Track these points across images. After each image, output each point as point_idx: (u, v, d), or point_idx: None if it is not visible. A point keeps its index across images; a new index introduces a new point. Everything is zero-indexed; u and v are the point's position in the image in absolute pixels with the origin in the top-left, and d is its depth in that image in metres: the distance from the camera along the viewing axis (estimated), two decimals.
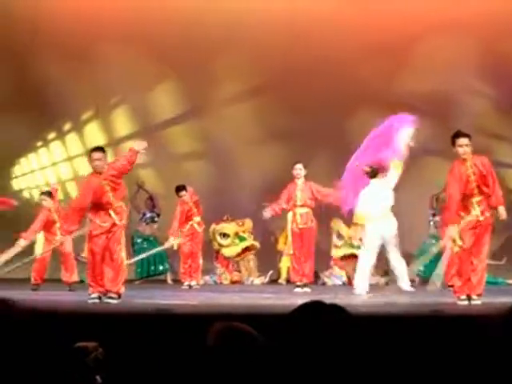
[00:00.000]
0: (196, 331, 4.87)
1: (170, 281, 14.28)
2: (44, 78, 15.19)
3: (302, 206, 11.73)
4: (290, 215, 11.83)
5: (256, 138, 14.94)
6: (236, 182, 15.11)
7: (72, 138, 15.87)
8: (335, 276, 13.95)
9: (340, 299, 8.61)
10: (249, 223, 14.48)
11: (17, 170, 15.79)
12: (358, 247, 12.33)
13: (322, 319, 2.44)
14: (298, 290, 11.55)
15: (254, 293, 11.51)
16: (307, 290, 11.51)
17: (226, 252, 14.44)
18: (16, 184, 15.92)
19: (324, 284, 13.89)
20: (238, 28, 14.78)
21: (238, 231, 14.49)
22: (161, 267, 14.22)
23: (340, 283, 13.78)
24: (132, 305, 8.49)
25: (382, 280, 13.44)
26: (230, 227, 14.50)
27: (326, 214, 12.65)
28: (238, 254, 14.46)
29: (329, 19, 14.84)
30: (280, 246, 14.12)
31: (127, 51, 15.05)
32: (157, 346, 4.62)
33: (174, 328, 5.65)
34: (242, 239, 14.51)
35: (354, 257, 12.88)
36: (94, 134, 15.75)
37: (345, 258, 13.89)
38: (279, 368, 2.53)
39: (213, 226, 14.37)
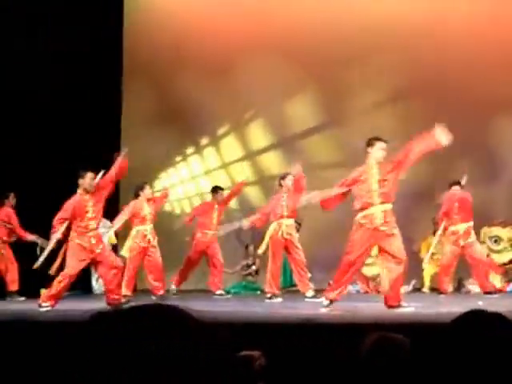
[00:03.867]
0: (342, 340, 4.84)
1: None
2: (184, 95, 15.49)
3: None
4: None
5: (397, 146, 14.75)
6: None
7: (210, 152, 16.11)
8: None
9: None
10: None
11: (157, 184, 16.13)
12: None
13: (483, 329, 2.37)
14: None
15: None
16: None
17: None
18: None
19: (468, 292, 13.55)
20: (377, 35, 14.71)
21: None
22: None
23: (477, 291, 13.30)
24: (278, 314, 8.53)
25: None
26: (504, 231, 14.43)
27: None
28: None
29: (470, 24, 14.64)
30: (422, 254, 13.88)
31: (265, 64, 15.19)
32: (307, 354, 4.61)
33: (320, 337, 5.64)
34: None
35: None
36: (232, 146, 15.96)
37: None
38: (433, 380, 2.47)
39: None
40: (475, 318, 2.38)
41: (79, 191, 10.13)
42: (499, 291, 12.48)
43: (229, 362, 1.53)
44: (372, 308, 9.82)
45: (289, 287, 14.10)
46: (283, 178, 12.44)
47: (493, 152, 14.90)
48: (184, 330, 1.45)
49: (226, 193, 13.77)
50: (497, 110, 14.61)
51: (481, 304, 9.31)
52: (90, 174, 10.11)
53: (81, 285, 13.54)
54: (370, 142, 9.37)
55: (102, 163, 14.15)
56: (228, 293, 13.57)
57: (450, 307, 9.03)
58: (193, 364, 1.41)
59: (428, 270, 13.80)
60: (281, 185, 12.43)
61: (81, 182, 10.11)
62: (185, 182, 16.21)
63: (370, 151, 9.26)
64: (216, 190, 13.68)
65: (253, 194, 15.73)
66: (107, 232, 13.99)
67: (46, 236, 10.56)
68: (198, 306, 10.12)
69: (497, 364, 2.24)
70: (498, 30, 14.66)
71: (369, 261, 12.69)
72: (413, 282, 14.15)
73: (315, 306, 9.53)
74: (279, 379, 3.04)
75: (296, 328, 6.05)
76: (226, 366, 1.48)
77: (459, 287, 13.25)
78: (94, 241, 9.99)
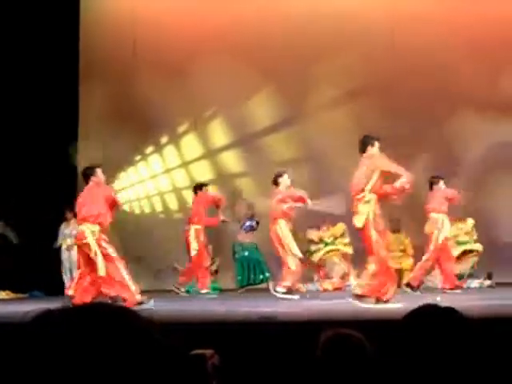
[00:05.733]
0: (301, 338, 4.83)
1: (272, 289, 14.25)
2: (143, 93, 15.42)
3: None
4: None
5: (356, 143, 14.80)
6: (336, 187, 15.01)
7: (169, 151, 16.05)
8: None
9: None
10: (337, 228, 14.40)
11: (116, 184, 16.02)
12: None
13: (436, 324, 2.36)
14: None
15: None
16: None
17: (312, 257, 14.45)
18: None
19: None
20: (335, 34, 14.76)
21: (322, 236, 14.46)
22: (261, 276, 14.20)
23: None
24: (237, 313, 8.50)
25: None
26: (315, 233, 14.52)
27: None
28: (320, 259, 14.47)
29: (430, 20, 14.69)
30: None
31: (224, 62, 15.16)
32: (265, 353, 4.60)
33: (279, 335, 5.62)
34: (326, 244, 14.45)
35: None
36: (192, 145, 15.92)
37: None
38: (390, 375, 2.46)
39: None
40: (428, 312, 2.37)
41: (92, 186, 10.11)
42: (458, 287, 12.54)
43: (180, 361, 1.49)
44: (333, 305, 9.84)
45: (246, 286, 14.11)
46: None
47: (450, 149, 15.01)
48: (130, 330, 1.41)
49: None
50: (454, 107, 14.71)
51: (439, 300, 9.33)
52: (99, 169, 10.27)
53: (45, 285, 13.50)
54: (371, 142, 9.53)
55: (58, 163, 14.07)
56: (188, 292, 13.55)
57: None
58: (140, 364, 1.37)
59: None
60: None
61: (94, 178, 10.14)
62: (144, 181, 16.13)
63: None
64: (201, 186, 13.72)
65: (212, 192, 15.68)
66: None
67: None
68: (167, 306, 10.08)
69: (448, 358, 2.24)
70: (455, 27, 14.74)
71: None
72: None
73: (274, 303, 9.52)
74: (233, 378, 3.00)
75: (251, 326, 6.03)
76: (176, 365, 1.44)
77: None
78: None
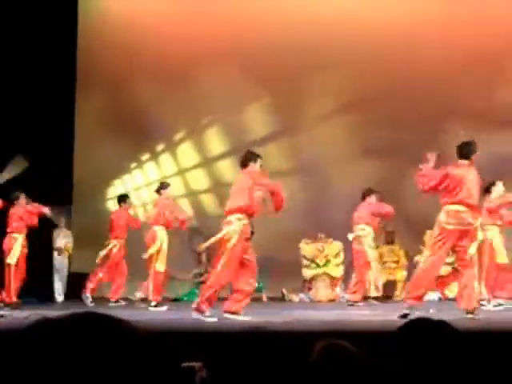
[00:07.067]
0: (292, 348, 4.83)
1: (265, 298, 14.23)
2: (139, 100, 15.44)
3: None
4: None
5: (348, 155, 14.87)
6: (329, 199, 15.04)
7: (165, 159, 16.06)
8: None
9: None
10: (332, 247, 14.37)
11: (111, 191, 16.02)
12: None
13: (428, 336, 2.38)
14: None
15: (347, 310, 11.44)
16: None
17: (303, 271, 14.47)
18: (112, 205, 16.16)
19: None
20: (331, 46, 14.78)
21: (316, 256, 14.41)
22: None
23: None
24: (227, 322, 8.49)
25: None
26: (309, 249, 14.48)
27: None
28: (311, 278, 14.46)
29: (423, 33, 14.72)
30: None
31: (221, 71, 15.17)
32: (255, 364, 4.59)
33: (269, 345, 5.61)
34: (317, 266, 14.39)
35: None
36: (188, 153, 15.93)
37: None
38: None
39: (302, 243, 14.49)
40: (420, 325, 2.39)
41: None
42: None
43: (169, 374, 1.51)
44: (324, 316, 9.85)
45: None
46: None
47: (445, 160, 15.01)
48: (120, 341, 1.42)
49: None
50: (446, 118, 14.70)
51: (432, 312, 9.34)
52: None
53: (38, 292, 13.48)
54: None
55: (54, 170, 14.05)
56: (181, 299, 13.57)
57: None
58: (130, 376, 1.38)
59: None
60: None
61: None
62: (140, 189, 16.13)
63: None
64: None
65: (207, 200, 15.71)
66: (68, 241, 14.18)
67: None
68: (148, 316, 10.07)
69: (440, 370, 2.26)
70: (450, 39, 14.74)
71: None
72: None
73: (264, 314, 9.51)
74: None
75: (241, 337, 6.02)
76: (166, 378, 1.46)
77: None
78: None
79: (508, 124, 14.68)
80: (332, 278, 14.37)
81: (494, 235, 11.61)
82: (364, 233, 12.86)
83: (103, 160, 15.33)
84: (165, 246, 12.22)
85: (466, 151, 9.24)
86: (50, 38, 14.28)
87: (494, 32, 14.64)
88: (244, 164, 9.45)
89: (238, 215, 9.08)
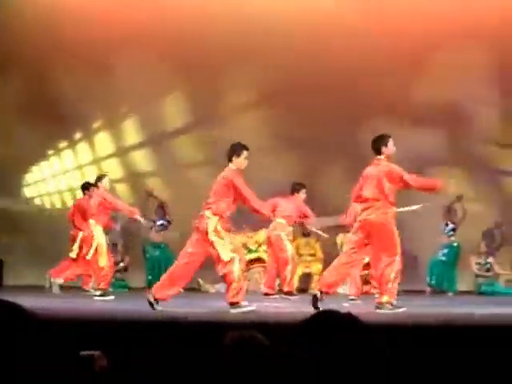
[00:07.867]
0: (207, 339, 4.85)
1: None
2: (59, 86, 15.25)
3: None
4: None
5: (265, 148, 14.86)
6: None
7: (83, 147, 15.89)
8: None
9: None
10: (261, 235, 14.37)
11: (29, 177, 15.80)
12: None
13: (334, 328, 2.42)
14: None
15: (262, 302, 11.49)
16: None
17: None
18: (28, 191, 15.96)
19: None
20: (249, 38, 14.75)
21: (246, 242, 14.39)
22: None
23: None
24: (144, 313, 8.45)
25: None
26: (237, 238, 14.45)
27: None
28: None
29: (343, 29, 14.80)
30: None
31: (138, 62, 15.07)
32: (165, 353, 4.60)
33: (183, 336, 5.63)
34: (250, 251, 14.38)
35: None
36: (104, 142, 15.80)
37: None
38: (290, 377, 2.51)
39: None
40: (325, 317, 2.43)
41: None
42: None
43: (66, 361, 1.50)
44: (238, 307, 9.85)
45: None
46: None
47: (366, 156, 15.15)
48: (18, 327, 1.42)
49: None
50: (370, 114, 14.82)
51: (346, 305, 9.43)
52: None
53: None
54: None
55: None
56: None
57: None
58: (27, 362, 1.37)
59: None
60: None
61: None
62: (56, 176, 15.94)
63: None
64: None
65: (120, 189, 15.53)
66: None
67: None
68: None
69: (344, 361, 2.29)
70: (376, 38, 14.83)
71: None
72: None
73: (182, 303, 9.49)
74: (122, 381, 2.99)
75: (144, 326, 6.01)
76: (62, 366, 1.45)
77: None
78: None
79: (423, 120, 14.86)
80: (264, 267, 14.30)
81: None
82: (283, 226, 12.79)
83: (20, 146, 15.12)
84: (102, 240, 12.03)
85: (377, 145, 9.37)
86: None
87: (414, 28, 14.77)
88: (229, 158, 9.30)
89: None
